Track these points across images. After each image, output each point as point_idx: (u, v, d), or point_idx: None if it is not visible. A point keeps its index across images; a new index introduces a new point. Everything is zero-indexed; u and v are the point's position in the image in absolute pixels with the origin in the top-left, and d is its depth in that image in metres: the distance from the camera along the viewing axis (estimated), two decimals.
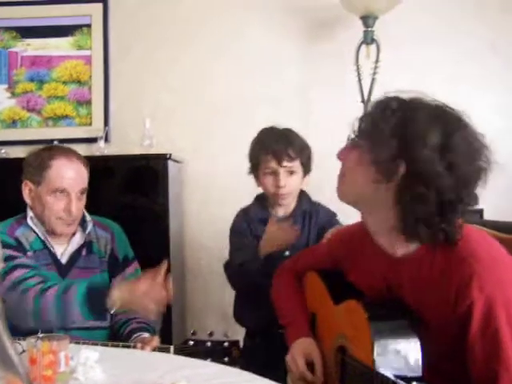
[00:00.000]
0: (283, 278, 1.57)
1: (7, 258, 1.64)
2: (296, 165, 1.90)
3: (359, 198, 1.19)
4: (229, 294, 2.11)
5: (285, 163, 1.88)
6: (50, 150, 1.79)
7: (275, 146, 1.89)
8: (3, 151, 2.72)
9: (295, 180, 1.92)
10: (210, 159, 2.81)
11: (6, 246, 1.67)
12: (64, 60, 2.84)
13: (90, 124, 2.84)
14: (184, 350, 1.39)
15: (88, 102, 2.84)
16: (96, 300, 1.53)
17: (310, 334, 1.39)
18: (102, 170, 2.46)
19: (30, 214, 1.76)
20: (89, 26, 2.83)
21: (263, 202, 2.01)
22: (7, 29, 2.85)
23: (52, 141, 2.51)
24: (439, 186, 1.06)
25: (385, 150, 1.09)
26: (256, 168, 1.94)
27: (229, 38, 2.80)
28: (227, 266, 2.01)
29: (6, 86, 2.86)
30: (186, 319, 2.83)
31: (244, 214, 2.04)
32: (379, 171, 1.11)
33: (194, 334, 1.44)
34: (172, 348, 1.43)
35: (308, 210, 1.97)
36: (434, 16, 2.63)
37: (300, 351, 1.35)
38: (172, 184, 2.58)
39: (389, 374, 1.03)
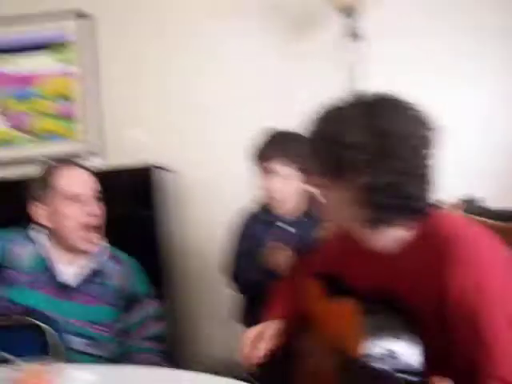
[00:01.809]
0: (278, 290, 1.55)
1: None
2: (282, 168, 1.82)
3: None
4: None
5: (265, 164, 1.83)
6: (51, 167, 1.74)
7: (260, 148, 1.86)
8: None
9: (283, 184, 1.83)
10: (205, 165, 2.76)
11: None
12: (49, 77, 2.81)
13: (80, 139, 2.79)
14: None
15: (76, 118, 2.79)
16: None
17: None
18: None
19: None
20: (73, 41, 2.79)
21: (268, 205, 1.94)
22: None
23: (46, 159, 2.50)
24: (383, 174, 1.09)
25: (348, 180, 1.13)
26: None
27: (212, 42, 2.77)
28: (233, 274, 1.99)
29: None
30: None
31: (249, 217, 1.99)
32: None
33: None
34: None
35: (314, 215, 1.86)
36: (419, 9, 2.60)
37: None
38: (168, 194, 2.56)
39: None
